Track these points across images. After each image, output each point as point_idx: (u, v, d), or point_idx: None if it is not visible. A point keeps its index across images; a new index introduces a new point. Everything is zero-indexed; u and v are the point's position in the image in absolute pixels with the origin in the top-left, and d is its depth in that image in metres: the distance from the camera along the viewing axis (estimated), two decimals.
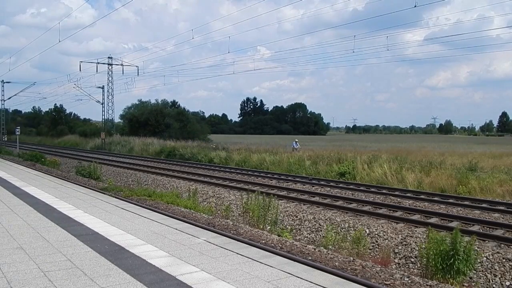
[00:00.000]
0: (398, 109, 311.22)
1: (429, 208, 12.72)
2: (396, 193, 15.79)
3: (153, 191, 14.33)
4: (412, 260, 8.46)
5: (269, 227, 10.07)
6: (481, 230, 10.03)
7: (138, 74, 51.10)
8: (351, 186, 17.69)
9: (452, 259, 6.67)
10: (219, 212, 12.31)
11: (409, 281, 5.94)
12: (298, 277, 5.25)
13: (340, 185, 18.19)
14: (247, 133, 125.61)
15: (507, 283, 7.35)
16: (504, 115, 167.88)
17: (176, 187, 17.02)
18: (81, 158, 30.63)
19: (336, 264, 6.64)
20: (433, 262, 6.83)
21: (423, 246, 7.43)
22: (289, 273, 5.42)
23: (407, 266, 8.33)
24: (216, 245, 6.78)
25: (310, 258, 6.84)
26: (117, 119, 64.68)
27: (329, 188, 17.30)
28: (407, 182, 17.91)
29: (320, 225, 10.79)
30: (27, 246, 6.40)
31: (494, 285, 7.37)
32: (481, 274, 7.59)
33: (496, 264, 7.80)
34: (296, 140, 31.91)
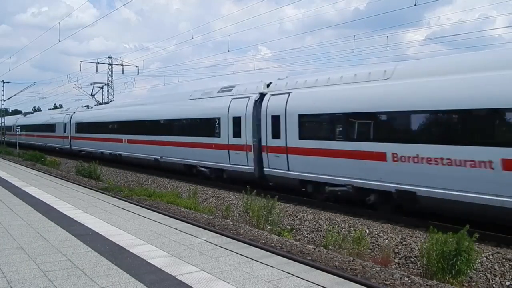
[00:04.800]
0: None
1: None
2: None
3: (153, 191, 14.33)
4: (412, 260, 8.45)
5: (269, 227, 10.06)
6: (481, 230, 10.00)
7: (138, 74, 50.92)
8: None
9: (455, 259, 6.66)
10: (219, 212, 12.30)
11: (409, 281, 5.94)
12: (298, 277, 5.25)
13: None
14: None
15: (507, 283, 7.35)
16: None
17: (176, 187, 17.02)
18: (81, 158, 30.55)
19: (336, 264, 6.64)
20: (434, 262, 6.82)
21: (424, 246, 7.42)
22: (289, 273, 5.42)
23: (407, 266, 8.32)
24: (216, 245, 6.79)
25: (310, 258, 6.84)
26: None
27: None
28: None
29: (320, 225, 10.78)
30: (27, 246, 6.41)
31: (494, 285, 7.36)
32: (481, 274, 7.58)
33: (496, 264, 7.80)
34: None
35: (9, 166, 22.75)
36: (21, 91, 58.69)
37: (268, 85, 15.40)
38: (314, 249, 7.57)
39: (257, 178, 14.71)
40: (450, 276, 6.67)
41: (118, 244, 6.66)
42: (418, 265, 8.03)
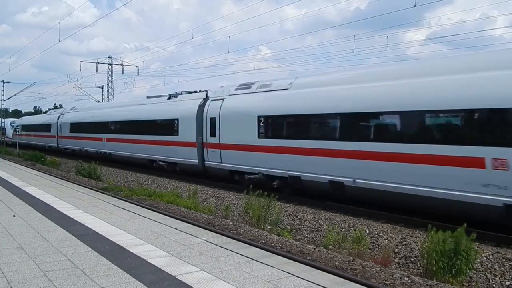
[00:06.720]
0: None
1: None
2: None
3: (153, 191, 14.32)
4: (412, 260, 8.46)
5: (269, 227, 10.06)
6: (481, 230, 10.00)
7: (138, 74, 50.95)
8: None
9: (454, 258, 6.67)
10: (219, 212, 12.30)
11: (409, 281, 5.94)
12: (298, 277, 5.25)
13: None
14: None
15: (507, 283, 7.35)
16: None
17: (176, 187, 17.02)
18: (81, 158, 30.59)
19: (336, 264, 6.64)
20: (434, 261, 6.83)
21: (424, 246, 7.41)
22: (289, 273, 5.43)
23: (407, 266, 8.32)
24: (216, 245, 6.79)
25: (310, 258, 6.84)
26: None
27: None
28: None
29: (320, 225, 10.78)
30: (27, 246, 6.41)
31: (494, 285, 7.36)
32: (481, 274, 7.58)
33: (496, 264, 7.80)
34: None
35: (9, 166, 22.76)
36: (21, 91, 58.68)
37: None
38: (314, 249, 7.57)
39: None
40: (450, 275, 6.67)
41: (118, 244, 6.66)
42: (418, 265, 8.03)
